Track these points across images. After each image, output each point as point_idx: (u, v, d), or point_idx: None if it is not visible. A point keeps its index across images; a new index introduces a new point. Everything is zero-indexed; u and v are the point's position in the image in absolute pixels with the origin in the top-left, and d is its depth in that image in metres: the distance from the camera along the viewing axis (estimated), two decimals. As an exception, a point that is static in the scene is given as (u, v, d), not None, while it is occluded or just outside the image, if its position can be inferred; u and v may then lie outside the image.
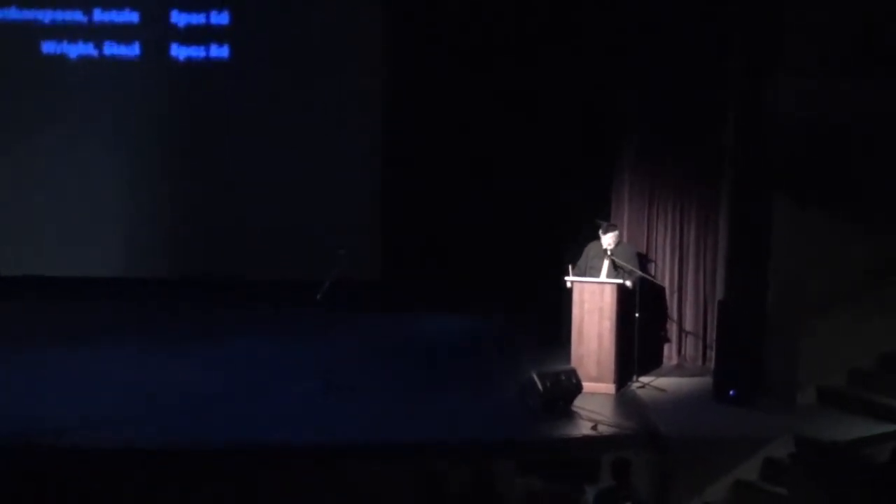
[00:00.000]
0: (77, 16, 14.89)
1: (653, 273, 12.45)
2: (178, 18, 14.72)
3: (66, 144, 14.97)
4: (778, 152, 11.28)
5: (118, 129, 15.09)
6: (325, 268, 11.71)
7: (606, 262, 11.86)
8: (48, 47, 14.93)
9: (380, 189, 15.09)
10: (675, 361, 12.53)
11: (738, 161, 11.65)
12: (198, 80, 14.96)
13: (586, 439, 10.09)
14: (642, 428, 10.39)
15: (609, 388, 11.40)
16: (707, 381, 11.70)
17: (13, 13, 14.89)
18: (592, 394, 11.17)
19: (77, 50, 14.96)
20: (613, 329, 11.40)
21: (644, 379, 11.81)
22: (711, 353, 12.07)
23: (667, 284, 12.50)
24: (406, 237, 15.10)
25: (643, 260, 12.39)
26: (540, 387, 10.66)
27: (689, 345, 12.53)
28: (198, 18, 14.52)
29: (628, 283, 11.59)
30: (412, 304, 14.64)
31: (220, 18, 14.58)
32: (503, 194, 14.51)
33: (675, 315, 12.54)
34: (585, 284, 11.51)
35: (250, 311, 14.32)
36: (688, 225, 12.44)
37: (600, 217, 12.32)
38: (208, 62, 14.77)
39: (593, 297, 11.45)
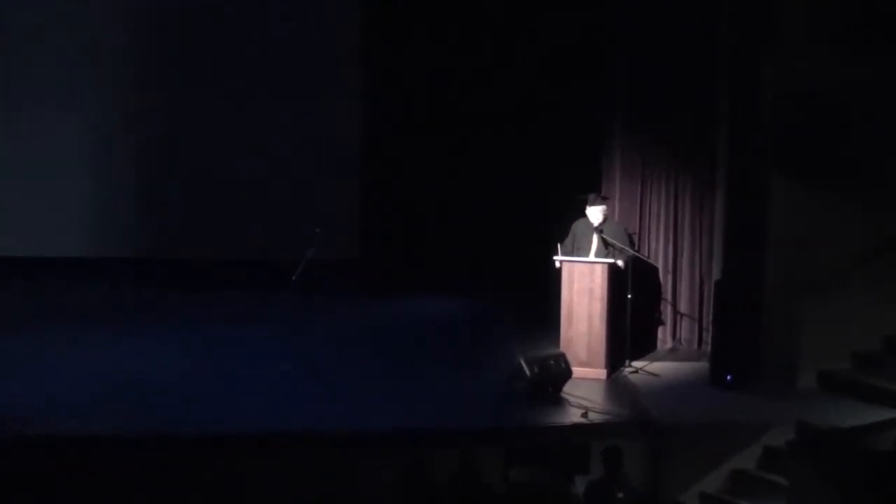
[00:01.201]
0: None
1: (645, 252, 12.43)
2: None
3: (22, 117, 15.02)
4: (774, 127, 11.29)
5: (81, 102, 15.16)
6: (301, 247, 11.72)
7: (596, 240, 11.81)
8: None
9: (357, 166, 15.22)
10: (669, 345, 12.54)
11: (734, 136, 11.68)
12: (171, 52, 15.13)
13: (576, 427, 10.05)
14: (635, 415, 10.37)
15: (600, 373, 11.39)
16: (703, 365, 11.72)
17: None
18: (582, 379, 11.15)
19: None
20: (604, 311, 11.38)
21: (637, 363, 11.80)
22: (707, 336, 12.12)
23: (660, 264, 12.52)
24: (386, 215, 15.17)
25: (635, 238, 12.38)
26: (527, 372, 10.64)
27: (684, 327, 12.55)
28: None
29: (620, 263, 11.56)
30: (393, 285, 14.65)
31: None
32: (487, 171, 14.61)
33: (669, 296, 12.54)
34: (575, 265, 11.47)
35: (221, 294, 14.33)
36: (682, 202, 12.46)
37: (590, 190, 12.39)
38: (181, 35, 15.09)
39: (583, 278, 11.42)
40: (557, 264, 11.50)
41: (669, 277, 12.52)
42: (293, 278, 11.33)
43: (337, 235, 13.36)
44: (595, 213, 11.84)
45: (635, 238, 12.43)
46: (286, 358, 11.28)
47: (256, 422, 9.93)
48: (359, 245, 15.15)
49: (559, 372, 10.89)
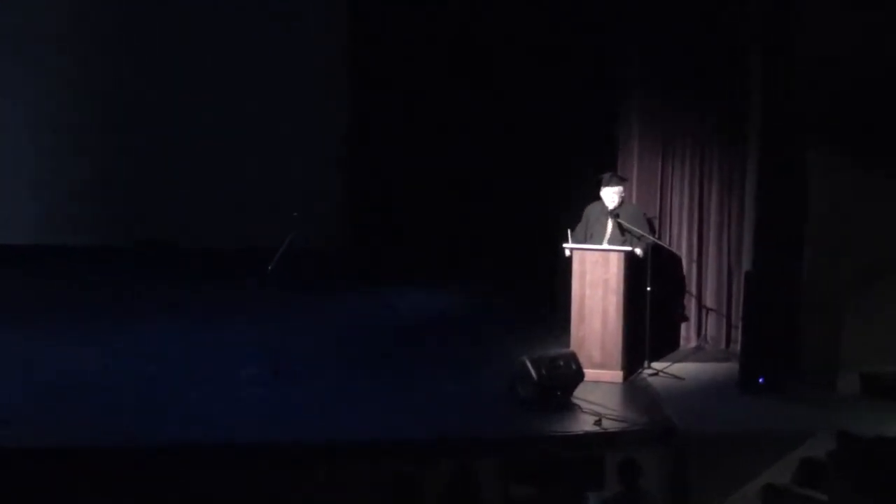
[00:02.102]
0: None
1: (667, 239, 12.43)
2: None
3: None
4: (813, 98, 11.26)
5: (42, 73, 15.45)
6: (278, 236, 11.65)
7: (611, 225, 11.80)
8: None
9: (345, 146, 15.46)
10: (693, 344, 12.57)
11: (767, 107, 11.63)
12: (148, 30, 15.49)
13: (588, 437, 10.04)
14: (655, 423, 10.35)
15: (615, 375, 11.40)
16: (732, 366, 11.73)
17: None
18: (596, 382, 11.18)
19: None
20: (620, 306, 11.36)
21: (657, 365, 11.79)
22: (737, 334, 12.12)
23: (684, 252, 12.53)
24: (372, 201, 15.35)
25: (655, 223, 12.39)
26: (534, 374, 10.62)
27: (711, 324, 12.56)
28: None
29: (638, 251, 11.54)
30: (382, 276, 14.74)
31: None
32: (488, 150, 14.69)
33: (693, 289, 12.56)
34: (587, 253, 11.44)
35: (189, 286, 14.41)
36: (708, 183, 12.48)
37: (605, 169, 12.32)
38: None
39: (596, 268, 11.39)
40: (567, 252, 11.46)
41: (694, 267, 12.52)
42: (269, 269, 11.29)
43: (318, 223, 13.60)
44: (610, 196, 11.78)
45: (655, 223, 12.41)
46: (254, 360, 11.31)
47: (219, 432, 9.89)
48: (342, 234, 15.32)
49: (569, 374, 10.87)
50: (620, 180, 12.03)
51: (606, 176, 12.00)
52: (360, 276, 14.77)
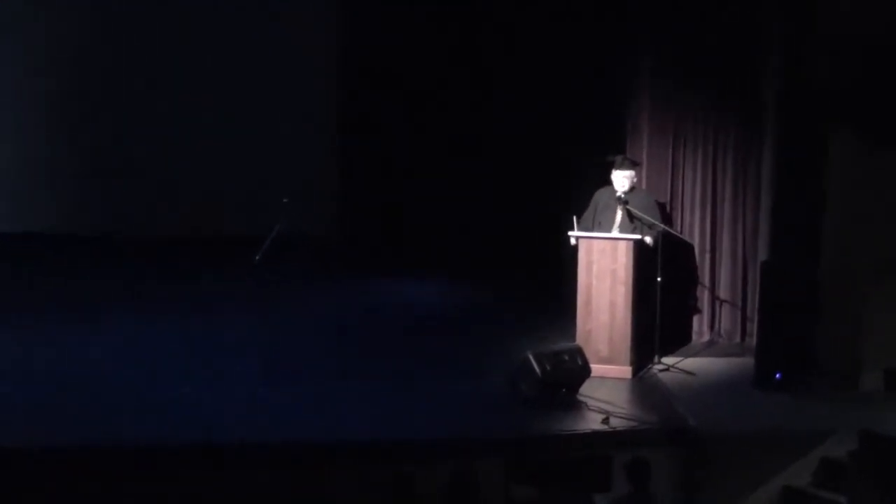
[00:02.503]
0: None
1: (678, 227, 12.42)
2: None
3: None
4: (835, 82, 11.22)
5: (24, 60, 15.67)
6: (267, 223, 11.61)
7: (620, 213, 11.73)
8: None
9: (334, 132, 15.60)
10: (706, 337, 12.60)
11: (785, 89, 11.62)
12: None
13: (595, 436, 10.00)
14: (666, 421, 10.34)
15: (624, 371, 11.37)
16: (747, 361, 11.71)
17: None
18: (603, 378, 11.16)
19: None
20: (629, 297, 11.33)
21: (668, 360, 11.79)
22: (752, 327, 12.14)
23: (696, 241, 12.53)
24: (370, 186, 15.41)
25: (666, 210, 12.36)
26: (537, 370, 10.58)
27: (725, 317, 12.58)
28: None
29: (648, 240, 11.51)
30: (376, 266, 14.76)
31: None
32: (490, 133, 14.72)
33: (706, 279, 12.56)
34: (594, 241, 11.41)
35: (174, 277, 14.45)
36: (723, 167, 12.48)
37: (613, 153, 12.26)
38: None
39: (604, 257, 11.37)
40: (573, 241, 11.42)
41: (707, 257, 12.50)
42: (256, 258, 11.23)
43: (310, 210, 13.63)
44: (621, 180, 11.75)
45: (666, 210, 12.40)
46: (243, 356, 11.32)
47: (207, 432, 9.78)
48: (335, 221, 15.42)
49: (575, 370, 10.84)
50: (633, 164, 11.96)
51: (618, 158, 11.95)
52: (355, 268, 14.79)
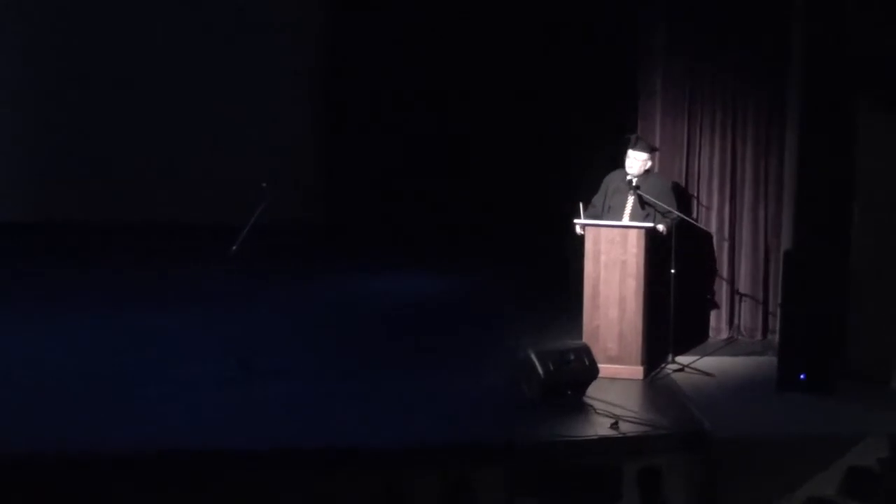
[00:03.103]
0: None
1: (694, 214, 12.41)
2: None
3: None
4: (866, 48, 11.20)
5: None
6: (245, 210, 11.62)
7: (631, 199, 11.71)
8: None
9: (318, 110, 15.81)
10: (725, 335, 12.61)
11: (812, 60, 11.61)
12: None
13: (604, 442, 9.98)
14: (680, 426, 10.31)
15: (635, 371, 11.37)
16: (769, 361, 11.74)
17: None
18: (612, 379, 11.17)
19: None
20: (641, 291, 11.32)
21: (683, 359, 11.80)
22: (775, 323, 12.17)
23: (714, 229, 12.54)
24: (357, 172, 15.57)
25: (681, 195, 12.27)
26: (540, 370, 10.58)
27: (745, 312, 12.59)
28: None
29: (661, 228, 11.49)
30: (364, 258, 14.86)
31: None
32: (487, 112, 14.82)
33: (725, 271, 12.56)
34: (602, 229, 11.38)
35: (145, 267, 14.54)
36: (742, 148, 12.46)
37: (623, 133, 12.22)
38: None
39: (613, 247, 11.35)
40: (579, 229, 11.43)
41: (726, 246, 12.53)
42: (233, 248, 11.21)
43: (293, 194, 13.71)
44: (634, 162, 11.71)
45: (681, 195, 12.34)
46: (220, 353, 11.34)
47: (170, 436, 9.75)
48: (319, 209, 15.64)
49: (581, 370, 10.83)
50: (647, 147, 11.90)
51: (633, 137, 11.90)
52: (341, 259, 14.86)
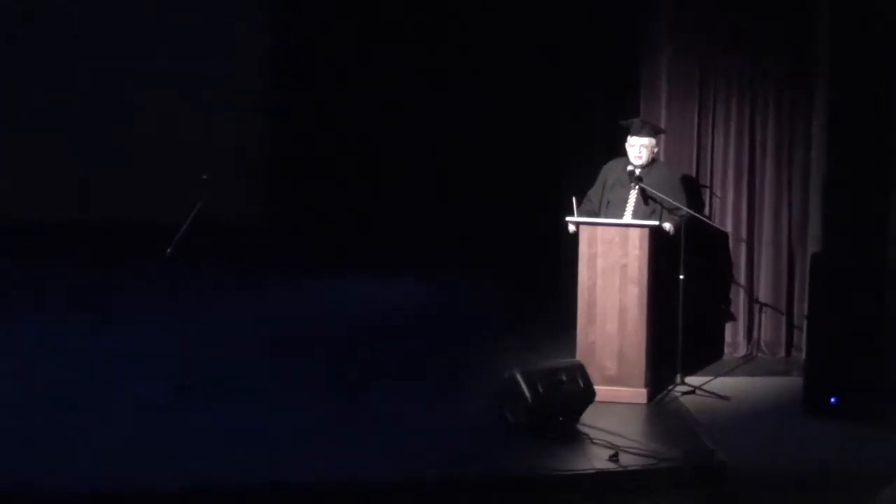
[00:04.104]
0: None
1: (706, 210, 12.48)
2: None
3: None
4: None
5: None
6: (184, 207, 11.56)
7: (633, 193, 11.68)
8: None
9: (264, 96, 16.12)
10: (742, 351, 12.64)
11: (838, 35, 11.64)
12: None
13: (601, 477, 9.84)
14: (691, 458, 10.13)
15: (637, 394, 11.34)
16: (794, 381, 11.76)
17: None
18: (611, 403, 11.13)
19: None
20: (644, 300, 11.29)
21: (693, 380, 11.80)
22: (800, 338, 12.25)
23: (730, 228, 12.57)
24: (312, 161, 15.72)
25: (691, 189, 12.28)
26: (527, 393, 10.47)
27: (766, 324, 12.63)
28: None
29: (668, 227, 11.48)
30: (327, 259, 14.95)
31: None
32: (468, 93, 14.92)
33: (742, 277, 12.57)
34: (599, 228, 11.34)
35: (70, 272, 14.61)
36: (762, 135, 12.50)
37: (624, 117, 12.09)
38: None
39: (612, 249, 11.30)
40: (572, 228, 11.38)
41: (743, 248, 12.56)
42: (168, 251, 11.10)
43: (238, 188, 14.10)
44: (637, 149, 11.71)
45: (692, 189, 12.31)
46: (154, 373, 11.29)
47: (95, 472, 9.59)
48: (268, 202, 15.81)
49: (574, 393, 10.76)
50: (653, 131, 11.81)
51: (635, 122, 11.80)
52: (295, 260, 14.94)
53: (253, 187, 15.47)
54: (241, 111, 16.16)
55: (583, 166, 12.14)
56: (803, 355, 11.79)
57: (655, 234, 11.37)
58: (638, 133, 11.68)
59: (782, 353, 12.56)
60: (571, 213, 11.39)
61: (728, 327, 12.64)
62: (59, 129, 16.26)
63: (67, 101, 16.30)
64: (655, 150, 11.78)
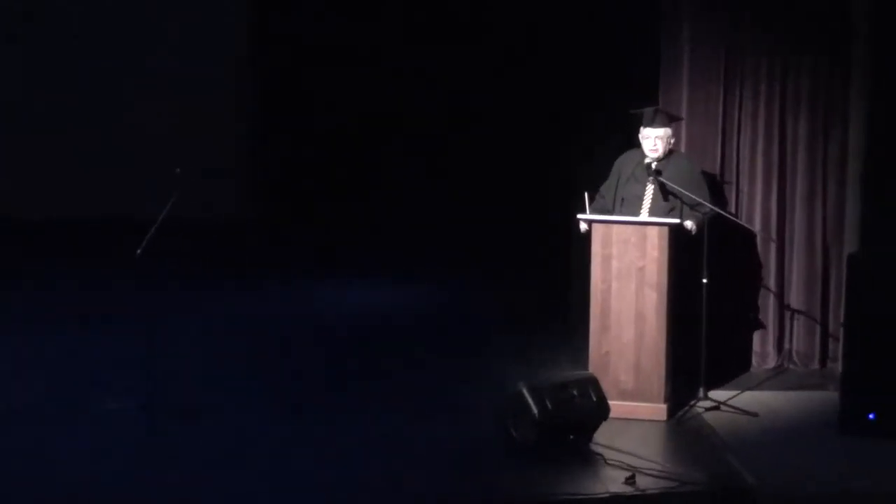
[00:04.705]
0: None
1: (732, 206, 12.41)
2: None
3: None
4: None
5: None
6: (157, 203, 11.50)
7: (651, 187, 11.58)
8: None
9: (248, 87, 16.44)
10: (772, 362, 12.59)
11: (884, 4, 11.61)
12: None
13: (616, 500, 9.78)
14: (715, 480, 10.12)
15: (656, 410, 11.30)
16: (829, 396, 11.68)
17: None
18: (627, 420, 11.11)
19: None
20: (664, 306, 11.22)
21: (718, 394, 11.69)
22: (837, 348, 12.18)
23: (758, 226, 12.49)
24: (296, 155, 15.90)
25: (715, 183, 12.26)
26: (534, 409, 10.39)
27: (798, 333, 12.59)
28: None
29: (689, 225, 11.36)
30: (313, 262, 15.04)
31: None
32: (466, 82, 15.06)
33: (772, 281, 12.52)
34: (614, 227, 11.29)
35: (29, 272, 14.72)
36: (794, 122, 12.45)
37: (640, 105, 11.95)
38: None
39: (628, 250, 11.25)
40: (584, 226, 11.36)
41: (772, 249, 12.50)
42: (138, 251, 11.03)
43: (216, 185, 14.42)
44: (652, 141, 11.58)
45: (716, 183, 12.28)
46: (120, 387, 11.30)
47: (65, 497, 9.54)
48: (249, 199, 15.99)
49: (586, 409, 10.68)
50: (669, 119, 11.68)
51: (648, 111, 11.64)
52: (285, 262, 15.02)
53: (244, 187, 15.79)
54: (238, 111, 16.49)
55: (595, 160, 12.16)
56: (839, 367, 11.69)
57: (676, 232, 11.31)
58: (651, 123, 11.57)
59: (816, 364, 12.52)
60: (583, 210, 11.35)
61: (756, 336, 12.58)
62: (56, 128, 16.69)
63: (64, 100, 16.70)
64: (672, 140, 11.69)
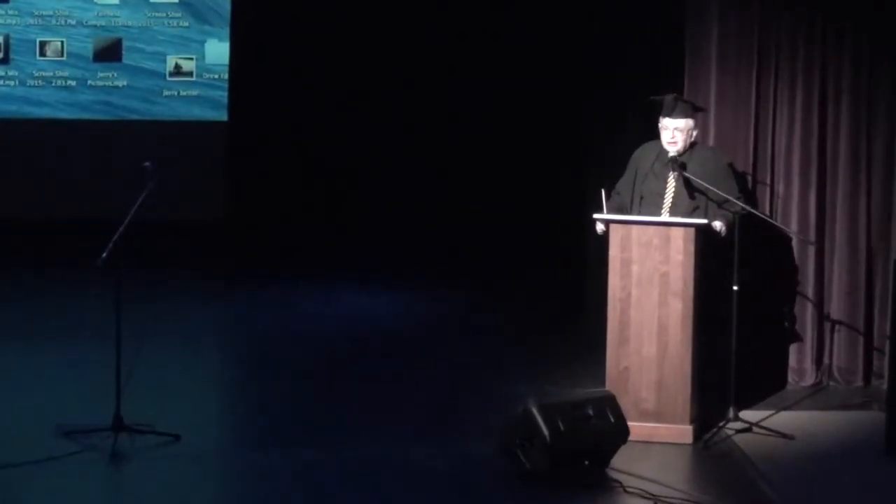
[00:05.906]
0: None
1: (766, 206, 12.49)
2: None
3: None
4: None
5: None
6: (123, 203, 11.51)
7: (674, 183, 11.70)
8: None
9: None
10: (810, 379, 12.69)
11: None
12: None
13: None
14: None
15: (681, 432, 11.35)
16: (872, 417, 11.77)
17: None
18: (648, 444, 11.18)
19: None
20: (689, 316, 11.28)
21: (750, 415, 11.74)
22: (882, 364, 12.27)
23: (794, 227, 12.54)
24: (279, 151, 16.16)
25: (746, 179, 12.34)
26: (545, 431, 10.47)
27: (840, 346, 12.67)
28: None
29: (718, 225, 11.43)
30: (297, 268, 15.10)
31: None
32: (466, 67, 15.26)
33: (810, 289, 12.59)
34: (633, 228, 11.34)
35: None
36: (835, 115, 12.53)
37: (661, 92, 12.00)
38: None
39: (649, 254, 11.31)
40: (600, 227, 11.43)
41: (811, 253, 12.55)
42: (103, 256, 11.06)
43: (194, 185, 14.61)
44: (670, 134, 11.66)
45: (747, 179, 12.36)
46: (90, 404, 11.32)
47: None
48: (228, 201, 16.16)
49: (603, 430, 10.77)
50: (692, 109, 11.75)
51: (668, 99, 11.68)
52: (258, 267, 15.15)
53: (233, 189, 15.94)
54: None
55: (611, 154, 12.31)
56: (885, 384, 11.74)
57: (703, 234, 11.36)
58: (670, 114, 11.61)
59: (859, 381, 12.59)
60: (599, 210, 11.42)
61: (792, 350, 12.67)
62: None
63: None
64: (695, 133, 11.73)
